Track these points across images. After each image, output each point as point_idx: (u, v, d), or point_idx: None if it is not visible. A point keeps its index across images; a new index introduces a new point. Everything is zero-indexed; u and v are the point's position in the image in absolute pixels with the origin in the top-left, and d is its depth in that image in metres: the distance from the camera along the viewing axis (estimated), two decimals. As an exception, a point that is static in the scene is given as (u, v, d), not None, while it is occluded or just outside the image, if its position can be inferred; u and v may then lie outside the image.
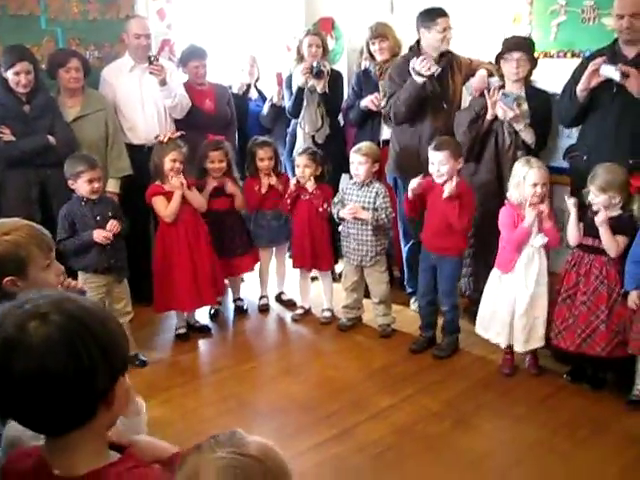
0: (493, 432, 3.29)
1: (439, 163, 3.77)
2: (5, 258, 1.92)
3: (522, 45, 3.99)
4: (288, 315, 4.68)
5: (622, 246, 3.39)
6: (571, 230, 3.50)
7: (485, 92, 3.98)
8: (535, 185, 3.52)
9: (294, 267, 4.65)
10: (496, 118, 3.94)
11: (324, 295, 4.62)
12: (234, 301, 4.78)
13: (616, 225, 3.38)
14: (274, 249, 4.77)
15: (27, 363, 1.14)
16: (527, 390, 3.62)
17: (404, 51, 4.61)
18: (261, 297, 4.80)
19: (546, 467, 2.97)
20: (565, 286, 3.54)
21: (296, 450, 3.05)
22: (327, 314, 4.56)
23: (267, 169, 4.52)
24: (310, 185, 4.35)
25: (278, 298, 4.89)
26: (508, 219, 3.65)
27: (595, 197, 3.39)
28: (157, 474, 1.28)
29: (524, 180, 3.54)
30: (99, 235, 3.66)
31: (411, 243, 4.51)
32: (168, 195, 4.09)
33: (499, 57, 4.01)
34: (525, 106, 3.89)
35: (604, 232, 3.37)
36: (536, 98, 3.95)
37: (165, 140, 4.12)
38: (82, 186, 3.66)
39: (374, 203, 4.14)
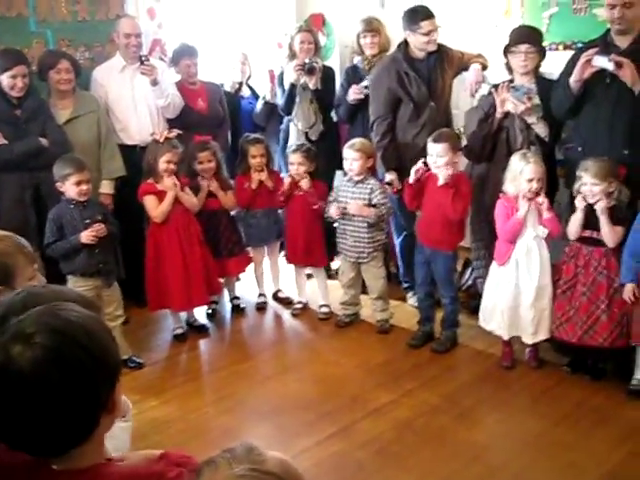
0: (494, 425, 3.29)
1: (437, 155, 3.76)
2: None
3: (529, 37, 3.89)
4: (285, 313, 4.67)
5: (620, 235, 3.40)
6: (574, 224, 3.50)
7: (493, 90, 3.92)
8: (531, 180, 3.52)
9: (288, 263, 4.65)
10: (506, 116, 3.88)
11: (320, 291, 4.61)
12: (231, 300, 4.76)
13: (613, 215, 3.39)
14: (266, 248, 4.76)
15: (20, 392, 1.10)
16: (527, 383, 3.62)
17: (393, 48, 4.60)
18: (259, 295, 4.80)
19: (549, 458, 2.96)
20: (564, 278, 3.55)
21: (297, 448, 3.05)
22: (325, 309, 4.55)
23: (259, 166, 4.50)
24: (305, 183, 4.34)
25: (275, 296, 4.87)
26: (503, 211, 3.66)
27: (594, 186, 3.39)
28: (158, 469, 1.26)
29: (520, 174, 3.54)
30: (86, 236, 3.62)
31: (403, 235, 4.51)
32: (160, 194, 4.07)
33: (506, 50, 3.92)
34: (536, 99, 3.83)
35: (605, 222, 3.38)
36: (547, 90, 3.83)
37: (161, 140, 4.09)
38: (70, 188, 3.64)
39: (370, 199, 4.13)
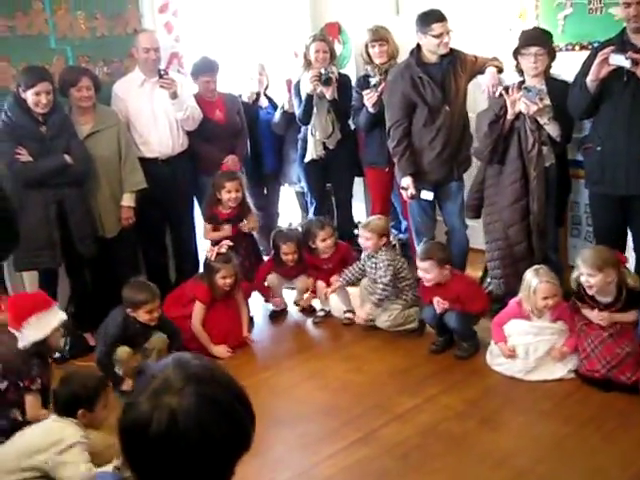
0: (519, 429, 3.26)
1: (424, 271, 3.91)
2: None
3: (539, 38, 3.92)
4: (308, 321, 4.68)
5: (636, 316, 3.42)
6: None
7: (503, 92, 3.93)
8: (546, 299, 3.53)
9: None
10: (517, 117, 3.88)
11: (341, 299, 4.64)
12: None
13: (623, 306, 3.42)
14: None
15: (187, 426, 1.18)
16: (551, 385, 3.58)
17: (402, 54, 4.61)
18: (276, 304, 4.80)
19: (574, 462, 2.94)
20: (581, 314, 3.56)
21: (322, 455, 3.07)
22: (349, 315, 4.56)
23: (292, 262, 4.58)
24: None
25: (297, 304, 4.86)
26: (512, 311, 3.71)
27: (590, 277, 3.39)
28: None
29: (534, 294, 3.55)
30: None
31: (424, 241, 4.51)
32: (211, 306, 4.22)
33: (516, 52, 3.94)
34: (547, 100, 3.84)
35: (616, 319, 3.42)
36: (559, 91, 3.85)
37: (213, 257, 4.21)
38: (142, 315, 3.71)
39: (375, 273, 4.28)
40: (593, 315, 3.46)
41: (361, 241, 4.35)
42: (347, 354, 4.17)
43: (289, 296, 4.87)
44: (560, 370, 3.57)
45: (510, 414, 3.40)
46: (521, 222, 3.95)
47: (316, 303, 4.77)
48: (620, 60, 3.43)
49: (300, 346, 4.42)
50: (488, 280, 4.31)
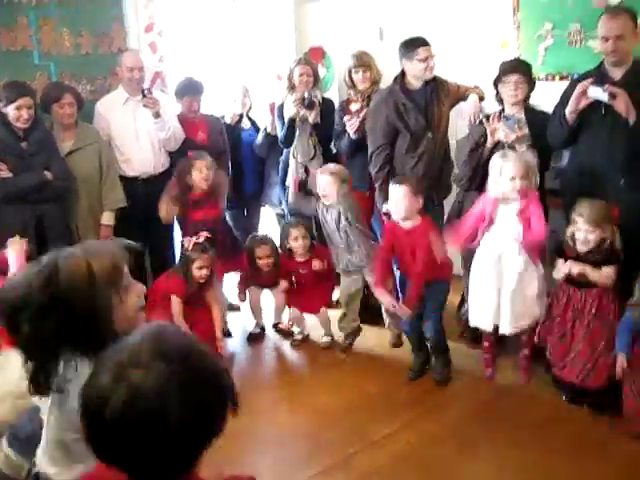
0: (495, 456, 3.26)
1: (398, 200, 3.82)
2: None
3: (519, 68, 3.99)
4: (285, 344, 4.66)
5: (611, 276, 3.40)
6: (561, 275, 3.52)
7: (484, 120, 3.99)
8: (513, 179, 3.53)
9: (288, 306, 4.69)
10: (496, 145, 3.93)
11: (322, 325, 4.62)
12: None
13: (599, 259, 3.41)
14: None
15: (148, 405, 1.13)
16: (527, 412, 3.58)
17: (385, 80, 4.65)
18: (255, 325, 4.79)
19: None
20: (558, 321, 3.54)
21: (297, 480, 3.04)
22: (326, 339, 4.57)
23: (267, 267, 4.59)
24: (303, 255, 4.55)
25: (275, 327, 4.85)
26: (477, 208, 3.72)
27: (589, 233, 3.40)
28: None
29: (501, 175, 3.56)
30: None
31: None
32: (186, 299, 4.18)
33: (497, 81, 4.00)
34: (525, 129, 3.90)
35: (593, 277, 3.40)
36: (537, 120, 3.92)
37: (190, 247, 4.17)
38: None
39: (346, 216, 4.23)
40: (566, 265, 3.46)
41: (321, 188, 4.25)
42: (325, 378, 4.15)
43: (267, 317, 4.85)
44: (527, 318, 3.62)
45: (487, 440, 3.38)
46: None
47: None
48: (598, 93, 3.49)
49: (277, 369, 4.42)
50: (465, 307, 4.32)
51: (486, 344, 3.95)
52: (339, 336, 4.52)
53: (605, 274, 3.39)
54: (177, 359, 1.17)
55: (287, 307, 4.70)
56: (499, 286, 3.67)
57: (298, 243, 4.53)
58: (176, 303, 4.14)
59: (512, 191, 3.55)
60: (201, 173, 4.36)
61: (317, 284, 4.62)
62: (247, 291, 4.73)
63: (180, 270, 4.21)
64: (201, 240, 4.20)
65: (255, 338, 4.73)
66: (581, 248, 3.44)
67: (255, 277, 4.66)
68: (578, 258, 3.47)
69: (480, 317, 3.81)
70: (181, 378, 1.15)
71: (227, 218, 4.86)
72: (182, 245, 4.29)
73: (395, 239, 3.91)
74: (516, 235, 3.62)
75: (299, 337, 4.66)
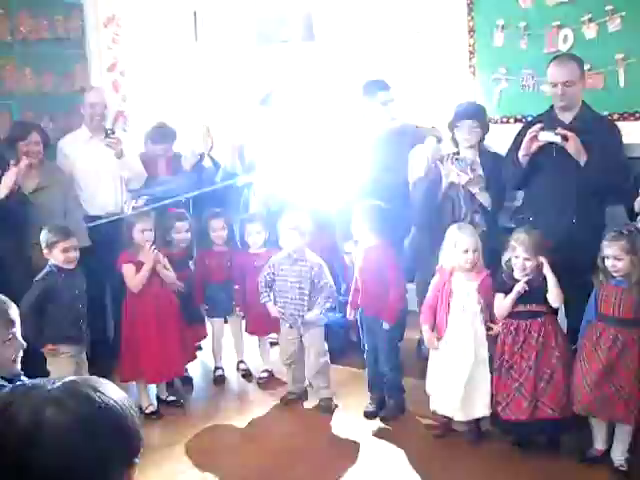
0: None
1: (356, 224, 3.92)
2: None
3: (473, 112, 4.10)
4: (245, 383, 4.64)
5: (562, 295, 3.43)
6: (505, 307, 3.51)
7: (438, 162, 4.08)
8: (466, 252, 3.58)
9: (249, 333, 4.66)
10: (451, 186, 4.02)
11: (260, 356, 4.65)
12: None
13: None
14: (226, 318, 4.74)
15: (46, 460, 1.09)
16: (481, 455, 3.58)
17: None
18: (215, 369, 4.72)
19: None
20: (505, 356, 3.50)
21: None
22: (265, 374, 4.60)
23: (220, 239, 4.56)
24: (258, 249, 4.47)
25: (237, 367, 4.79)
26: (436, 286, 3.71)
27: (526, 261, 3.43)
28: None
29: (455, 247, 3.61)
30: None
31: None
32: (139, 265, 4.06)
33: (451, 124, 4.10)
34: (479, 170, 4.00)
35: (552, 281, 3.42)
36: (490, 162, 4.03)
37: (129, 211, 4.12)
38: (58, 256, 3.69)
39: (312, 276, 4.09)
40: (514, 291, 3.45)
41: (288, 241, 4.07)
42: (285, 417, 4.14)
43: (231, 360, 4.82)
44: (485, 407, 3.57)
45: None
46: None
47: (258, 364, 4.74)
48: (549, 136, 3.62)
49: (241, 408, 4.37)
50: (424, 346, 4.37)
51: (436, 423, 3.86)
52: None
53: (556, 293, 3.42)
54: (86, 401, 1.15)
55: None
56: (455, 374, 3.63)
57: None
58: (129, 270, 4.06)
59: (465, 263, 3.59)
60: (180, 234, 4.39)
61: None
62: (210, 323, 4.71)
63: (125, 237, 4.13)
64: (140, 203, 4.18)
65: (219, 382, 4.65)
66: (518, 275, 3.49)
67: (207, 274, 4.59)
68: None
69: (439, 403, 3.74)
70: (86, 417, 1.13)
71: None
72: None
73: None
74: (474, 314, 3.61)
75: (264, 375, 4.61)
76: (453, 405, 3.61)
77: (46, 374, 3.49)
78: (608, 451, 3.37)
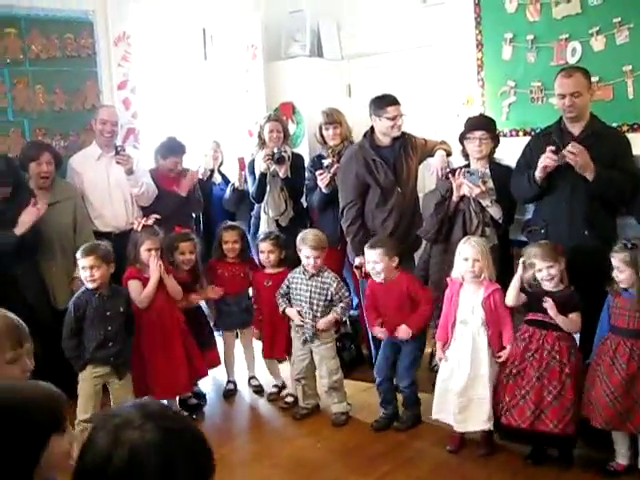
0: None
1: (374, 262, 3.88)
2: None
3: (483, 124, 4.13)
4: (256, 398, 4.62)
5: (579, 322, 3.40)
6: (511, 291, 3.52)
7: (450, 175, 4.09)
8: (466, 260, 3.57)
9: (264, 358, 4.63)
10: (462, 199, 4.01)
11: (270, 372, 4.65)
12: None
13: (565, 303, 3.40)
14: (238, 332, 4.74)
15: (150, 460, 1.18)
16: (504, 459, 3.58)
17: (355, 135, 4.77)
18: (227, 382, 4.71)
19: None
20: (514, 362, 3.49)
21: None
22: (275, 389, 4.60)
23: (232, 252, 4.56)
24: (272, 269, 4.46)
25: (249, 383, 4.77)
26: (446, 297, 3.72)
27: (550, 269, 3.39)
28: None
29: (459, 255, 3.61)
30: None
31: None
32: (145, 281, 4.03)
33: (462, 136, 4.12)
34: (490, 183, 3.99)
35: (560, 320, 3.38)
36: (501, 175, 4.03)
37: (139, 228, 4.11)
38: (81, 274, 3.74)
39: (326, 293, 4.10)
40: (548, 305, 3.39)
41: (306, 259, 4.10)
42: (297, 433, 4.12)
43: (242, 375, 4.81)
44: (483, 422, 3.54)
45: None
46: None
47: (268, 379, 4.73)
48: (560, 161, 3.60)
49: (252, 423, 4.37)
50: (435, 360, 4.36)
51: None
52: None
53: (570, 320, 3.41)
54: (163, 415, 1.26)
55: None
56: (451, 386, 3.64)
57: (266, 257, 4.47)
58: (134, 285, 4.03)
59: (465, 272, 3.59)
60: (184, 255, 4.34)
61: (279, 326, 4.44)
62: (222, 338, 4.69)
63: (131, 253, 4.11)
64: (150, 222, 4.15)
65: (230, 395, 4.65)
66: (547, 286, 3.43)
67: (220, 265, 4.58)
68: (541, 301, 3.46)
69: (441, 411, 3.74)
70: (174, 429, 1.24)
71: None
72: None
73: (376, 296, 3.99)
74: (477, 328, 3.59)
75: (274, 390, 4.61)
76: (451, 416, 3.62)
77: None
78: (630, 466, 3.33)
